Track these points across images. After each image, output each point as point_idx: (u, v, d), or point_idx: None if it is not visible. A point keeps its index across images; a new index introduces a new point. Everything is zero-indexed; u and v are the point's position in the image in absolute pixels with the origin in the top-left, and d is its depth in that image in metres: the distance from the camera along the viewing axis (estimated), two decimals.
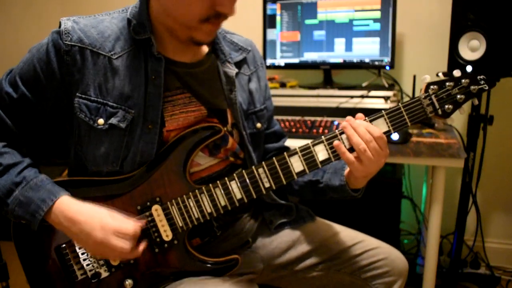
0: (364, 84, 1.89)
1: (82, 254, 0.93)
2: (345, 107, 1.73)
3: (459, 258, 1.72)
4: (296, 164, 0.91)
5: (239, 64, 1.07)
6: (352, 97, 1.74)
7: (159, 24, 0.93)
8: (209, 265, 0.94)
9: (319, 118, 1.69)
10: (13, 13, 2.59)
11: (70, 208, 0.87)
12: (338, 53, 1.86)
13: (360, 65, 1.84)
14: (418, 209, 2.03)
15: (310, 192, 1.10)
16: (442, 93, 0.89)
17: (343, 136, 0.90)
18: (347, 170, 0.99)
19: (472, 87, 0.88)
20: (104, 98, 0.90)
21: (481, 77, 0.88)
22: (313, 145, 0.90)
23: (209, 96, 0.99)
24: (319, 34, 1.87)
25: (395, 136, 1.49)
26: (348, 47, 1.84)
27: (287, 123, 1.66)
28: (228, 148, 1.01)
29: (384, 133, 0.89)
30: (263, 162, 0.92)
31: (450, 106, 0.89)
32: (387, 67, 1.80)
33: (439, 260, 1.83)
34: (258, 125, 1.09)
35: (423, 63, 1.95)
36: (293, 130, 1.62)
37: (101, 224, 0.85)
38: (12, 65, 0.95)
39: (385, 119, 0.89)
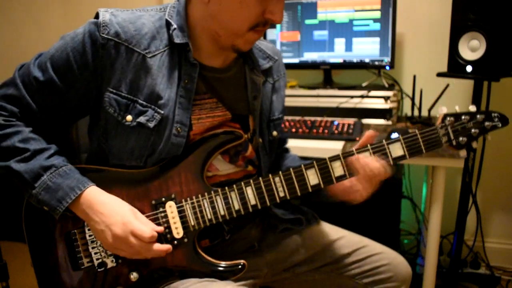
0: (364, 84, 1.89)
1: (92, 242, 0.93)
2: (345, 107, 1.73)
3: (459, 258, 1.72)
4: (312, 177, 0.92)
5: (265, 72, 1.07)
6: (352, 97, 1.74)
7: (197, 28, 0.93)
8: (215, 267, 0.94)
9: (319, 118, 1.69)
10: (13, 15, 2.59)
11: (96, 199, 0.88)
12: (338, 53, 1.86)
13: (360, 65, 1.84)
14: (418, 209, 2.03)
15: None
16: (457, 125, 0.92)
17: (360, 155, 0.92)
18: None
19: (486, 123, 0.92)
20: (135, 95, 0.90)
21: (496, 114, 0.92)
22: (331, 161, 0.92)
23: (233, 101, 1.00)
24: (319, 34, 1.87)
25: (394, 135, 1.49)
26: (348, 47, 1.84)
27: (287, 123, 1.66)
28: (246, 155, 1.02)
29: (399, 157, 0.93)
30: (279, 172, 0.93)
31: (464, 139, 0.92)
32: (387, 67, 1.80)
33: (439, 260, 1.83)
34: (275, 133, 1.10)
35: (423, 63, 1.95)
36: (293, 130, 1.62)
37: (122, 221, 0.85)
38: (13, 67, 0.94)
39: (401, 144, 0.92)
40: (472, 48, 1.48)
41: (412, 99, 1.76)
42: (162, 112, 0.90)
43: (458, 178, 1.90)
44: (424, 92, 1.72)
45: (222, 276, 0.94)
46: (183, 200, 0.93)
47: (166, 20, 0.93)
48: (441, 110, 0.94)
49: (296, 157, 1.21)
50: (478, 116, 0.92)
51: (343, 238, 1.12)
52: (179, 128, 0.92)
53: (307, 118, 1.71)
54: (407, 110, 1.91)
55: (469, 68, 1.49)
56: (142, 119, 0.90)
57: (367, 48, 1.81)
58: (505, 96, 1.85)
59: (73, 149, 1.18)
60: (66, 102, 0.92)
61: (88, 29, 0.88)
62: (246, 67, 1.03)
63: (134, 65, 0.89)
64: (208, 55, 0.96)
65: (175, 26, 0.91)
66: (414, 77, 1.74)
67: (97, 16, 0.89)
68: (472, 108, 0.93)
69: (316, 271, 1.10)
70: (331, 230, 1.14)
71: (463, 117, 0.93)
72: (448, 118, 0.92)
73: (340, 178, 0.92)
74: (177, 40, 0.91)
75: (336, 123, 1.63)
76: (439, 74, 1.60)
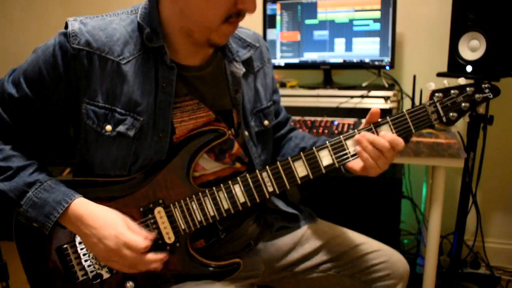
0: (364, 84, 1.89)
1: (84, 255, 0.92)
2: (345, 107, 1.73)
3: (459, 258, 1.72)
4: (300, 168, 0.90)
5: (246, 62, 1.03)
6: (352, 97, 1.73)
7: (171, 28, 0.90)
8: (210, 269, 0.93)
9: (319, 118, 1.69)
10: (13, 14, 2.59)
11: (84, 210, 0.86)
12: (338, 53, 1.86)
13: (360, 65, 1.84)
14: (418, 209, 2.03)
15: None
16: (446, 100, 0.88)
17: (348, 142, 0.89)
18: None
19: (476, 95, 0.88)
20: (113, 104, 0.87)
21: (486, 85, 0.87)
22: (318, 150, 0.90)
23: (215, 97, 0.97)
24: (319, 34, 1.87)
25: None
26: (348, 47, 1.84)
27: None
28: (233, 153, 1.00)
29: None
30: (267, 167, 0.90)
31: (455, 114, 0.88)
32: (387, 67, 1.80)
33: (439, 260, 1.83)
34: (266, 122, 1.07)
35: (423, 63, 1.95)
36: None
37: (115, 233, 0.84)
38: (13, 66, 0.94)
39: (389, 125, 0.89)
40: (472, 48, 1.48)
41: (412, 99, 1.76)
42: (142, 119, 0.88)
43: (458, 178, 1.90)
44: (424, 92, 1.72)
45: (218, 276, 0.94)
46: (171, 204, 0.91)
47: (138, 23, 0.90)
48: (429, 86, 0.89)
49: (297, 138, 1.15)
50: (467, 89, 0.88)
51: (340, 236, 1.11)
52: (160, 134, 0.90)
53: (307, 118, 1.71)
54: None
55: (469, 68, 1.49)
56: (121, 128, 0.88)
57: (367, 48, 1.81)
58: (505, 96, 1.84)
59: (72, 149, 1.18)
60: (43, 117, 0.91)
61: (58, 41, 0.86)
62: (225, 60, 0.99)
63: (109, 73, 0.87)
64: (185, 54, 0.93)
65: (148, 29, 0.88)
66: (414, 77, 1.74)
67: (66, 26, 0.87)
68: (462, 81, 0.89)
69: (314, 269, 1.09)
70: (328, 228, 1.14)
71: (452, 91, 0.88)
72: (436, 94, 0.88)
73: (329, 167, 0.89)
74: (151, 43, 0.88)
75: (336, 123, 1.63)
76: (439, 74, 1.60)
